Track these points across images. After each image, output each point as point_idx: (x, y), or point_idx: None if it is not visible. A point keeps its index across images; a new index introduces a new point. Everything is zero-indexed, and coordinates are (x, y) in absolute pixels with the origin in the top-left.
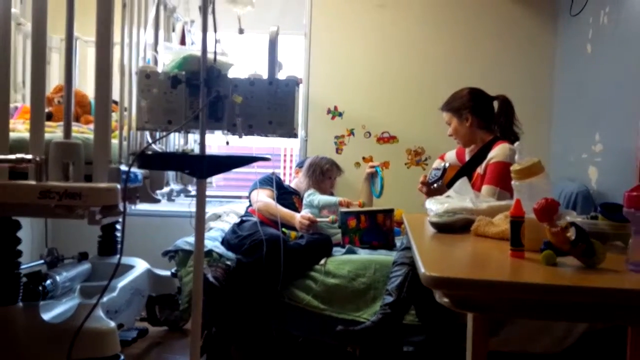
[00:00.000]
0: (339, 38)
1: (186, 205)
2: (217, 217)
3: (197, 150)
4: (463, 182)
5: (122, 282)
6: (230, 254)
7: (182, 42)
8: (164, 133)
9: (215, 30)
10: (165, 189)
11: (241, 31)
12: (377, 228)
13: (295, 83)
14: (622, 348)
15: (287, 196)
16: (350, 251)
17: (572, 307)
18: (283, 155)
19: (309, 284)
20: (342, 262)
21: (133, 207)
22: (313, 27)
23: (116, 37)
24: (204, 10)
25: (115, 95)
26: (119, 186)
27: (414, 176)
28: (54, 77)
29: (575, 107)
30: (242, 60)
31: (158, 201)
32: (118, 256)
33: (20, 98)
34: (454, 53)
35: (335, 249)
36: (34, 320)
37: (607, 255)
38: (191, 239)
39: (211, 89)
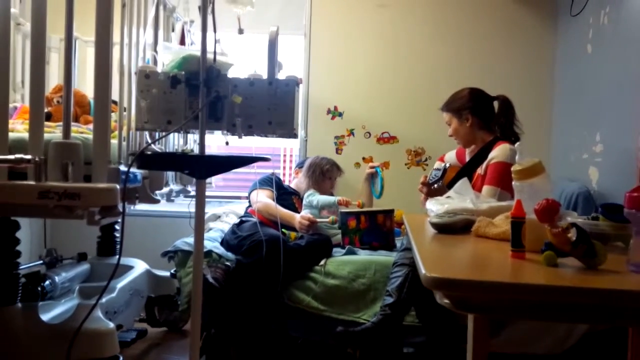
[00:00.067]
0: (339, 38)
1: (185, 205)
2: (217, 217)
3: (196, 151)
4: (463, 183)
5: (121, 282)
6: (229, 255)
7: (182, 42)
8: (164, 133)
9: (214, 30)
10: (165, 190)
11: (241, 31)
12: (377, 229)
13: (295, 83)
14: (623, 349)
15: (287, 197)
16: (350, 252)
17: (573, 308)
18: (283, 155)
19: (309, 284)
20: (342, 262)
21: (132, 207)
22: (313, 27)
23: (116, 37)
24: (203, 10)
25: (115, 95)
26: (118, 186)
27: (414, 177)
28: (53, 77)
29: (576, 108)
30: (242, 60)
31: (157, 201)
32: (117, 257)
33: (20, 98)
34: (454, 53)
35: (335, 249)
36: (33, 321)
37: (608, 256)
38: (190, 240)
39: (211, 89)
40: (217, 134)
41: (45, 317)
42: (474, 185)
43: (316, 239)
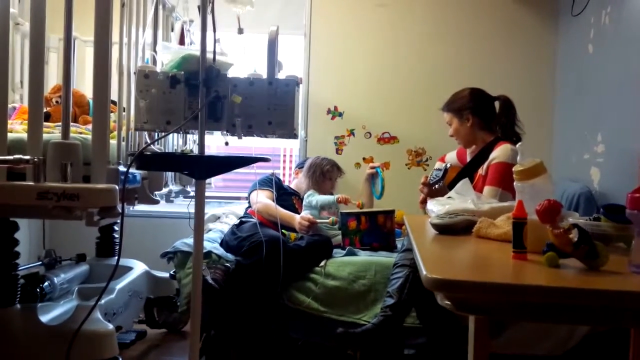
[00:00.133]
0: (339, 38)
1: (185, 206)
2: (216, 218)
3: (196, 151)
4: (465, 183)
5: (120, 284)
6: (229, 256)
7: (181, 41)
8: (163, 133)
9: (214, 30)
10: (164, 190)
11: (241, 31)
12: (377, 229)
13: (295, 83)
14: (625, 350)
15: (287, 197)
16: (350, 253)
17: (575, 310)
18: (283, 155)
19: (309, 285)
20: (342, 263)
21: (131, 208)
22: (313, 27)
23: (115, 36)
24: (203, 9)
25: (114, 96)
26: (117, 187)
27: (415, 177)
28: (52, 77)
29: (577, 108)
30: (241, 60)
31: (157, 202)
32: (116, 258)
33: (18, 98)
34: (455, 53)
35: (335, 250)
36: (32, 322)
37: (610, 257)
38: (190, 241)
39: (210, 89)
40: (217, 134)
41: (44, 318)
42: (475, 185)
43: (316, 240)
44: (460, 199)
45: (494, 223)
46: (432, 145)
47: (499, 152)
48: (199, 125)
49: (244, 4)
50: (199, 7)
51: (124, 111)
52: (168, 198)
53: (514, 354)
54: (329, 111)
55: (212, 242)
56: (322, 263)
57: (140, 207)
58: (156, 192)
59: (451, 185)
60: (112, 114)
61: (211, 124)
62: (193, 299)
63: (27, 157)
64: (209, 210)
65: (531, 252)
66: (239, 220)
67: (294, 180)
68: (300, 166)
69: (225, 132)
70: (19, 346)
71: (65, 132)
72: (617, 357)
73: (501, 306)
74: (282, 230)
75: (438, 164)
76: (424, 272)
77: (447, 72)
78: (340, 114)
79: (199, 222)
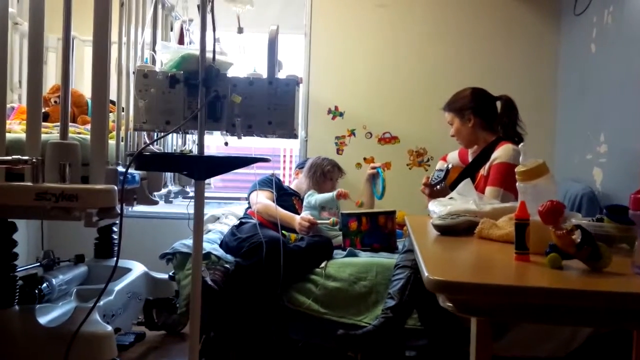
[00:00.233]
0: (339, 37)
1: (184, 207)
2: (216, 219)
3: (195, 151)
4: (466, 184)
5: (119, 285)
6: (229, 257)
7: (181, 41)
8: (162, 134)
9: (214, 29)
10: (163, 191)
11: (240, 30)
12: (378, 230)
13: (296, 83)
14: (628, 352)
15: (287, 198)
16: (351, 254)
17: (578, 311)
18: (283, 156)
19: (309, 287)
20: (343, 265)
21: (130, 209)
22: (313, 27)
23: (114, 36)
24: (202, 8)
25: (113, 95)
26: (116, 188)
27: (416, 177)
28: (51, 77)
29: (580, 108)
30: (241, 59)
31: (156, 203)
32: (115, 259)
33: (17, 98)
34: (456, 53)
35: (336, 251)
36: (30, 323)
37: (613, 258)
38: (189, 242)
39: (210, 88)
40: (216, 134)
41: (42, 320)
42: (476, 186)
43: (316, 241)
44: (462, 200)
45: (496, 224)
46: (433, 146)
47: (501, 153)
48: (199, 125)
49: (243, 3)
50: (198, 7)
51: (123, 111)
52: (167, 199)
53: (516, 356)
54: (329, 111)
55: (211, 243)
56: (323, 264)
57: (139, 208)
58: (155, 193)
59: (453, 186)
60: (111, 114)
61: (211, 124)
62: (192, 300)
63: (26, 157)
64: (209, 211)
65: (534, 254)
66: (238, 221)
67: (294, 181)
68: (300, 166)
69: (224, 132)
70: (17, 347)
71: (64, 132)
72: (620, 359)
73: (503, 308)
74: (282, 231)
75: (439, 164)
76: (425, 273)
77: (447, 72)
78: (341, 114)
79: (198, 223)
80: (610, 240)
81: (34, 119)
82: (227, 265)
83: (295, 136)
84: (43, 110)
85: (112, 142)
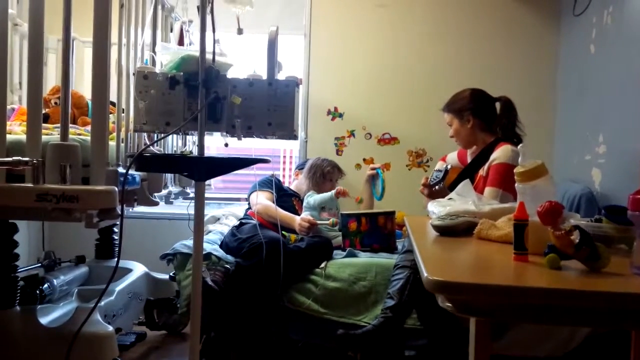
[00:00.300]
0: (339, 38)
1: (184, 207)
2: (216, 219)
3: (195, 152)
4: (465, 185)
5: (120, 285)
6: (229, 257)
7: (180, 42)
8: (162, 135)
9: (213, 30)
10: (164, 192)
11: (240, 31)
12: (378, 231)
13: (295, 84)
14: (626, 352)
15: (287, 198)
16: (350, 254)
17: (577, 312)
18: (282, 156)
19: (309, 287)
20: (342, 265)
21: (131, 209)
22: (313, 27)
23: (114, 37)
24: (202, 10)
25: (113, 97)
26: (116, 189)
27: (416, 178)
28: (51, 78)
29: (579, 108)
30: (241, 61)
31: (156, 204)
32: (116, 259)
33: (17, 99)
34: (456, 53)
35: (335, 252)
36: (32, 324)
37: (612, 258)
38: (190, 242)
39: (210, 89)
40: (216, 135)
41: (43, 320)
42: (475, 186)
43: (316, 241)
44: (461, 200)
45: (495, 224)
46: (432, 146)
47: (500, 153)
48: (199, 126)
49: (243, 4)
50: (198, 8)
51: (123, 112)
52: (167, 199)
53: (515, 356)
54: (329, 112)
55: (211, 243)
56: (323, 264)
57: (140, 209)
58: (155, 194)
59: (452, 187)
60: (111, 115)
61: (211, 125)
62: (193, 300)
63: (26, 158)
64: (209, 211)
65: (532, 254)
66: (238, 222)
67: (294, 182)
68: (300, 167)
69: (224, 134)
70: (18, 348)
71: (64, 133)
72: (619, 358)
73: (502, 308)
74: (282, 232)
75: (439, 165)
76: (424, 274)
77: (447, 73)
78: (341, 115)
79: (198, 224)
80: (608, 241)
81: (34, 120)
82: (228, 266)
83: (295, 137)
84: (43, 112)
85: (112, 143)
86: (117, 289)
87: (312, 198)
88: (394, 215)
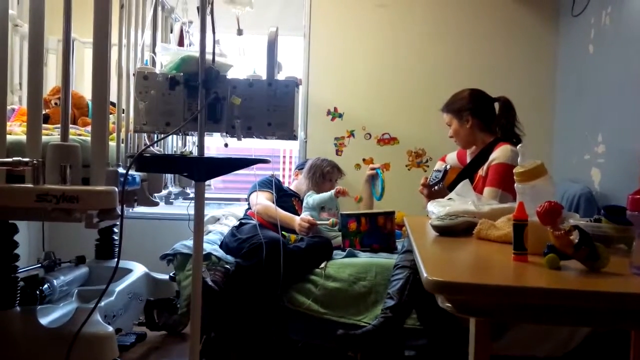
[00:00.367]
0: (339, 38)
1: (184, 208)
2: (216, 220)
3: (195, 153)
4: (465, 185)
5: (120, 286)
6: (229, 258)
7: (180, 43)
8: (162, 135)
9: (213, 31)
10: (164, 192)
11: (240, 32)
12: (377, 231)
13: (295, 84)
14: (626, 351)
15: (287, 198)
16: (350, 254)
17: (576, 312)
18: (282, 157)
19: (309, 287)
20: (342, 265)
21: (131, 210)
22: (312, 28)
23: (114, 38)
24: (202, 10)
25: (113, 97)
26: (116, 189)
27: (415, 178)
28: (51, 79)
29: (578, 108)
30: (241, 61)
31: (156, 204)
32: (116, 260)
33: (17, 100)
34: (455, 54)
35: (335, 252)
36: (32, 324)
37: (611, 258)
38: (190, 242)
39: (209, 90)
40: (216, 135)
41: (44, 320)
42: (475, 186)
43: (316, 242)
44: (461, 201)
45: (494, 225)
46: (432, 146)
47: (499, 153)
48: (199, 126)
49: (243, 5)
50: (198, 8)
51: (123, 113)
52: (167, 200)
53: (514, 356)
54: (328, 112)
55: (211, 243)
56: (322, 265)
57: (140, 209)
58: (155, 194)
59: (451, 187)
60: (111, 116)
61: (210, 126)
62: (193, 301)
63: (26, 159)
64: (209, 211)
65: (532, 254)
66: (238, 222)
67: (294, 182)
68: (300, 167)
69: (224, 134)
70: (18, 349)
71: (64, 134)
72: (618, 358)
73: (502, 308)
74: (282, 232)
75: (438, 165)
76: (424, 274)
77: (447, 73)
78: (340, 115)
79: (198, 224)
80: (608, 241)
81: (34, 120)
82: (228, 266)
83: (294, 137)
84: (43, 112)
85: (112, 143)
86: (117, 289)
87: (312, 198)
88: (394, 215)
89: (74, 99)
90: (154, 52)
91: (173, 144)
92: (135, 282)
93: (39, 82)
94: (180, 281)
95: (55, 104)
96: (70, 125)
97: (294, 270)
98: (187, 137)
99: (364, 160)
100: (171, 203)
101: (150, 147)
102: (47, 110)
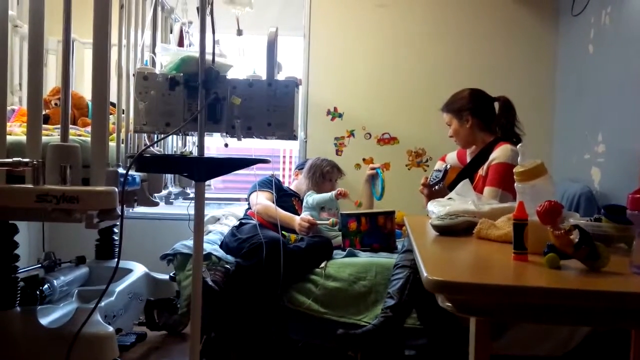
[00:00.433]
0: (339, 39)
1: (185, 208)
2: (216, 220)
3: (195, 153)
4: (465, 184)
5: (120, 286)
6: (229, 257)
7: (180, 43)
8: (162, 135)
9: (213, 32)
10: (164, 192)
11: (240, 32)
12: (377, 230)
13: (295, 84)
14: (626, 351)
15: (287, 198)
16: (350, 254)
17: (576, 311)
18: (282, 157)
19: (309, 287)
20: (342, 265)
21: (131, 210)
22: (312, 28)
23: (114, 38)
24: (202, 11)
25: (113, 98)
26: (116, 189)
27: (415, 178)
28: (51, 79)
29: (578, 108)
30: (241, 61)
31: (156, 204)
32: (116, 260)
33: (17, 100)
34: (455, 53)
35: (335, 251)
36: (32, 325)
37: (611, 258)
38: (190, 242)
39: (209, 90)
40: (216, 135)
41: (44, 321)
42: (475, 186)
43: (316, 241)
44: (461, 200)
45: (494, 224)
46: (432, 146)
47: (499, 153)
48: (199, 127)
49: (243, 5)
50: (197, 9)
51: (123, 113)
52: (167, 200)
53: (514, 355)
54: (328, 112)
55: (211, 243)
56: (323, 264)
57: (140, 209)
58: (156, 194)
59: (451, 186)
60: (111, 116)
61: (210, 126)
62: (193, 300)
63: (27, 159)
64: (209, 211)
65: (532, 254)
66: (238, 222)
67: (294, 182)
68: (300, 167)
69: (224, 134)
70: (19, 349)
71: (64, 134)
72: (618, 358)
73: (502, 308)
74: (282, 232)
75: (438, 164)
76: (424, 274)
77: (447, 73)
78: (340, 115)
79: (198, 224)
80: (608, 240)
81: (34, 121)
82: (228, 266)
83: (294, 137)
84: (43, 113)
85: (112, 144)
86: (118, 289)
87: (312, 198)
88: (394, 215)
89: (74, 100)
90: (153, 52)
91: (173, 144)
92: (135, 282)
93: (38, 82)
94: (181, 281)
95: (55, 104)
96: (70, 126)
97: (294, 270)
98: (187, 137)
99: (364, 160)
100: (171, 203)
101: (150, 147)
102: (47, 111)
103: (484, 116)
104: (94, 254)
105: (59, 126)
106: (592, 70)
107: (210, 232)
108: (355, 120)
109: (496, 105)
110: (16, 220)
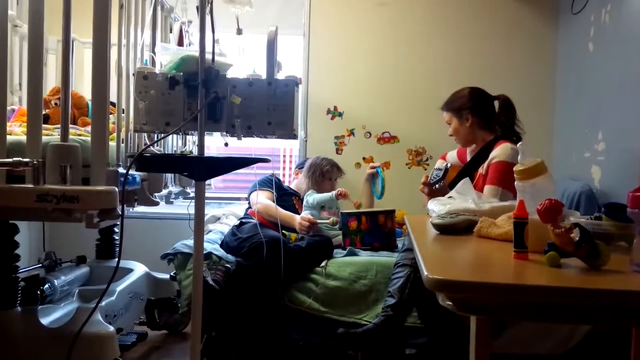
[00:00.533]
0: (339, 37)
1: (185, 207)
2: (216, 219)
3: (195, 152)
4: (465, 183)
5: (121, 285)
6: (229, 257)
7: (180, 42)
8: (162, 135)
9: (213, 31)
10: (164, 192)
11: (239, 31)
12: (378, 229)
13: (295, 83)
14: (626, 349)
15: (287, 197)
16: (351, 253)
17: (577, 309)
18: (282, 156)
19: (310, 286)
20: (343, 264)
21: (131, 210)
22: (312, 27)
23: (113, 38)
24: (201, 10)
25: (113, 97)
26: (117, 189)
27: (415, 176)
28: (51, 79)
29: (578, 106)
30: (240, 61)
31: (156, 204)
32: (116, 259)
33: (17, 100)
34: (455, 52)
35: (336, 250)
36: (33, 324)
37: (611, 256)
38: (190, 242)
39: (209, 89)
40: (216, 135)
41: (45, 320)
42: (475, 185)
43: (317, 240)
44: (461, 199)
45: (495, 223)
46: (432, 145)
47: (499, 151)
48: (199, 126)
49: (242, 4)
50: (197, 8)
51: (123, 113)
52: (168, 199)
53: (515, 354)
54: (328, 111)
55: (212, 243)
56: (323, 263)
57: (140, 209)
58: (156, 194)
59: (452, 185)
60: (111, 116)
61: (210, 125)
62: (194, 300)
63: (27, 159)
64: (209, 211)
65: (532, 252)
66: (239, 221)
67: (294, 181)
68: (300, 166)
69: (224, 133)
70: (19, 349)
71: (64, 134)
72: (618, 356)
73: (503, 306)
74: (283, 231)
75: (439, 163)
76: (425, 272)
77: (447, 71)
78: (340, 114)
79: (199, 223)
80: (608, 238)
81: (34, 121)
82: (228, 265)
83: (294, 136)
84: (43, 112)
85: (112, 143)
86: (118, 289)
87: (312, 197)
88: (394, 214)
89: (73, 99)
90: (153, 52)
91: (173, 144)
92: (136, 282)
93: (38, 82)
94: (181, 280)
95: (55, 104)
96: (70, 126)
97: (294, 269)
98: (187, 137)
99: (364, 159)
100: (171, 202)
101: (150, 146)
102: (47, 111)
103: (484, 115)
104: (95, 254)
105: (59, 126)
106: (592, 69)
107: (210, 231)
108: (355, 119)
109: (496, 103)
110: (16, 220)
